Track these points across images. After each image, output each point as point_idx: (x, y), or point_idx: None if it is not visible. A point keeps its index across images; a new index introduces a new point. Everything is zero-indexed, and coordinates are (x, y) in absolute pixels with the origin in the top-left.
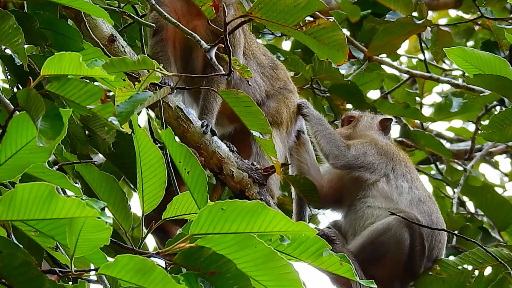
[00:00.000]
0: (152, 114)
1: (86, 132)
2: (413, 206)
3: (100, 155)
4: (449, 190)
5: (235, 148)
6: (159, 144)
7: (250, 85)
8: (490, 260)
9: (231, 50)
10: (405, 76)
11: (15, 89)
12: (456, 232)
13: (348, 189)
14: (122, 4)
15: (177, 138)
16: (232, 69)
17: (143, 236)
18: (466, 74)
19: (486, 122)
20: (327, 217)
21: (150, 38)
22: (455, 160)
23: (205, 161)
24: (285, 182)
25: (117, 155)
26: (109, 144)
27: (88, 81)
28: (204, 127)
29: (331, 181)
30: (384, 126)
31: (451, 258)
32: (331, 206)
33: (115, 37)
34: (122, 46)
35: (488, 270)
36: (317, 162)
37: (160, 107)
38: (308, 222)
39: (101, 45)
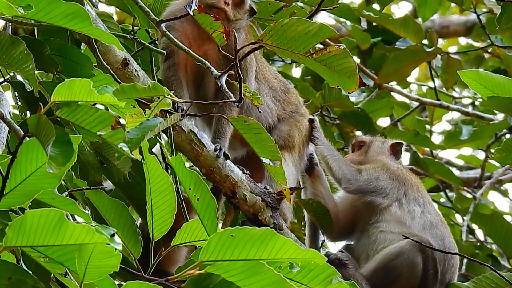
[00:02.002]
0: (165, 138)
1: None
2: (425, 230)
3: (109, 181)
4: (458, 217)
5: (248, 172)
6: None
7: (260, 112)
8: (503, 284)
9: (243, 74)
10: (415, 103)
11: (25, 115)
12: (465, 260)
13: (361, 214)
14: (135, 28)
15: (187, 164)
16: (243, 96)
17: (152, 262)
18: (477, 103)
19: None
20: (337, 245)
21: (162, 62)
22: (465, 188)
23: (218, 184)
24: (295, 208)
25: (126, 186)
26: (125, 174)
27: (102, 107)
28: (217, 151)
29: (344, 210)
30: (395, 151)
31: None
32: (345, 236)
33: (129, 61)
34: (136, 70)
35: None
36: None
37: (170, 133)
38: (321, 247)
39: (112, 71)
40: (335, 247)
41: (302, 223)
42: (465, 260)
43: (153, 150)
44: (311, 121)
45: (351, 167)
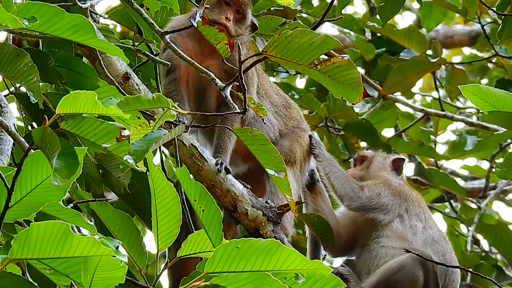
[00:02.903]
0: (166, 152)
1: (101, 172)
2: (427, 246)
3: (113, 193)
4: (463, 228)
5: (249, 186)
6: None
7: (265, 123)
8: None
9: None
10: (420, 114)
11: (30, 127)
12: (470, 270)
13: (362, 230)
14: (136, 43)
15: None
16: (247, 107)
17: (158, 274)
18: (481, 112)
19: (500, 160)
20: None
21: (163, 77)
22: (470, 198)
23: (219, 199)
24: (299, 220)
25: (130, 196)
26: (125, 185)
27: (104, 119)
28: (219, 165)
29: (345, 226)
30: (397, 167)
31: None
32: (347, 251)
33: (130, 75)
34: (137, 84)
35: None
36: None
37: (175, 145)
38: (322, 261)
39: (116, 83)
40: (336, 262)
41: (307, 236)
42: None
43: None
44: (309, 137)
45: (353, 184)
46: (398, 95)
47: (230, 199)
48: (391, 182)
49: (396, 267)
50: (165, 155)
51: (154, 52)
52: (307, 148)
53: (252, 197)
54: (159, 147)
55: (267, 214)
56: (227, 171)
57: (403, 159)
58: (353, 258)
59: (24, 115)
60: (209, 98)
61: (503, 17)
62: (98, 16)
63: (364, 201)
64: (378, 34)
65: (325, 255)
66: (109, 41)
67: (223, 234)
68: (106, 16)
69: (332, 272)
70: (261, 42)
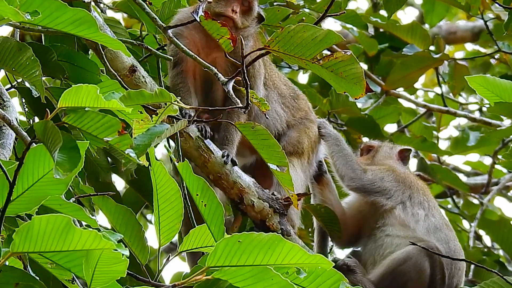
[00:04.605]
0: (172, 144)
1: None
2: (430, 234)
3: (123, 181)
4: (465, 224)
5: (253, 179)
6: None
7: (267, 118)
8: None
9: (251, 81)
10: (422, 109)
11: (32, 121)
12: (472, 266)
13: (368, 219)
14: (143, 33)
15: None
16: (250, 102)
17: (160, 268)
18: (484, 108)
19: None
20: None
21: (170, 69)
22: (472, 194)
23: (225, 191)
24: (303, 214)
25: (139, 182)
26: (132, 171)
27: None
28: (225, 157)
29: (351, 217)
30: (403, 157)
31: None
32: (353, 242)
33: (136, 67)
34: (143, 77)
35: None
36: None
37: (177, 139)
38: (329, 252)
39: (119, 77)
40: (342, 253)
41: (310, 230)
42: (472, 266)
43: (159, 156)
44: (318, 127)
45: (356, 165)
46: (400, 90)
47: (236, 191)
48: (396, 169)
49: (403, 258)
50: (168, 150)
51: (160, 44)
52: (315, 139)
53: (259, 189)
54: (167, 141)
55: (273, 206)
56: (234, 163)
57: (410, 150)
58: (359, 249)
59: (26, 109)
60: (216, 90)
61: (509, 9)
62: (105, 6)
63: (366, 183)
64: (381, 30)
65: (332, 246)
66: (116, 32)
67: (230, 225)
68: (113, 7)
69: (338, 263)
70: (266, 35)
